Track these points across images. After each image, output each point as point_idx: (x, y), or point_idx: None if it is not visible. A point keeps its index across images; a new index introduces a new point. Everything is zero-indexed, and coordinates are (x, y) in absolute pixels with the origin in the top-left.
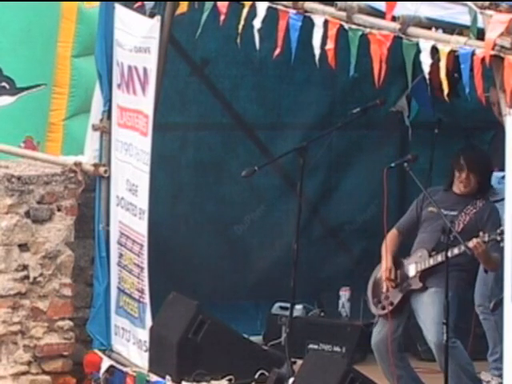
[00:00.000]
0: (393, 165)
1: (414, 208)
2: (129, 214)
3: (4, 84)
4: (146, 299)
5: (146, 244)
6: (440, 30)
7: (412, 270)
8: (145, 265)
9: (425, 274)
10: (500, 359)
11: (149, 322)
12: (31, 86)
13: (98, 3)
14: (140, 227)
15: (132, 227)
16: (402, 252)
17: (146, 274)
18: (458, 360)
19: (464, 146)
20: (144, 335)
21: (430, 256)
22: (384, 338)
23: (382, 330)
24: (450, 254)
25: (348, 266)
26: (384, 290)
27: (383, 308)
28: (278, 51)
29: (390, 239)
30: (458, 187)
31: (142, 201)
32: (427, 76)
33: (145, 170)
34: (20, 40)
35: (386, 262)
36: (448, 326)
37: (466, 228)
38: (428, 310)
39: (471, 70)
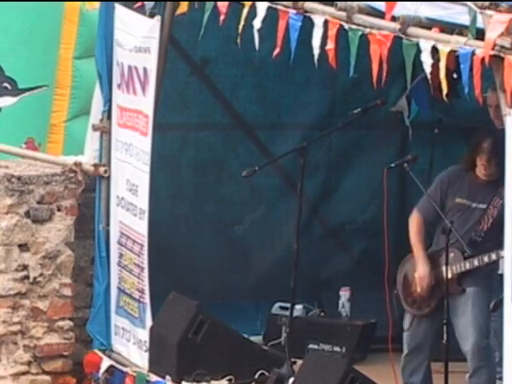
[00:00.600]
0: (393, 165)
1: (437, 193)
2: (129, 214)
3: (6, 85)
4: (147, 299)
5: (146, 244)
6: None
7: (448, 272)
8: (145, 265)
9: (461, 276)
10: (499, 363)
11: (149, 322)
12: (33, 87)
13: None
14: (140, 227)
15: (132, 227)
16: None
17: (146, 274)
18: (489, 367)
19: (483, 130)
20: (144, 335)
21: (465, 258)
22: (424, 334)
23: (420, 326)
24: (487, 260)
25: (348, 265)
26: (419, 290)
27: (419, 307)
28: (277, 51)
29: (419, 229)
30: (479, 170)
31: (143, 201)
32: (429, 76)
33: (145, 170)
34: (22, 41)
35: (422, 265)
36: (448, 327)
37: (495, 222)
38: (467, 313)
39: (471, 69)
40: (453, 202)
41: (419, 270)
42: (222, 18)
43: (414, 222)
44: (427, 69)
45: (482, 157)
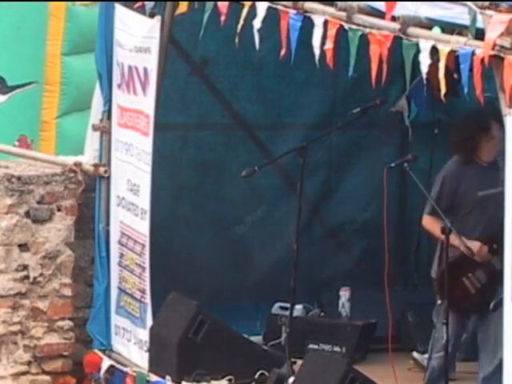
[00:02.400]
0: (393, 165)
1: (447, 192)
2: (130, 214)
3: None
4: (148, 299)
5: (147, 244)
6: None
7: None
8: (146, 265)
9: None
10: None
11: (150, 322)
12: (23, 84)
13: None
14: (142, 227)
15: (133, 227)
16: None
17: (147, 274)
18: None
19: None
20: (145, 335)
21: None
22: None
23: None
24: None
25: (348, 265)
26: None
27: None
28: (283, 52)
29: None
30: (489, 154)
31: (144, 201)
32: (425, 76)
33: (146, 170)
34: (10, 38)
35: (470, 242)
36: (448, 327)
37: None
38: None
39: (471, 69)
40: (474, 196)
41: (473, 245)
42: (222, 18)
43: (429, 221)
44: (424, 69)
45: (495, 137)
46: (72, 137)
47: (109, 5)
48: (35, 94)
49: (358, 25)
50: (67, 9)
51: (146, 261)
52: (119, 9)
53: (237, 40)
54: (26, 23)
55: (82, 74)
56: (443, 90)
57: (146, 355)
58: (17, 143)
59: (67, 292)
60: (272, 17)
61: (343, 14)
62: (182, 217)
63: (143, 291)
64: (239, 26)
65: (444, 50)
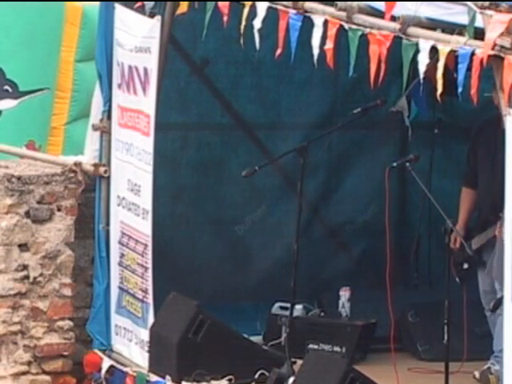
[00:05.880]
0: (395, 164)
1: (471, 154)
2: (131, 214)
3: (7, 87)
4: (150, 299)
5: (150, 244)
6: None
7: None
8: (149, 265)
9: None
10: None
11: (151, 322)
12: (34, 90)
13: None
14: (144, 227)
15: (135, 227)
16: None
17: (150, 273)
18: None
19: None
20: (147, 335)
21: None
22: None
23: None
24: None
25: (348, 265)
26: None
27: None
28: (279, 51)
29: (463, 200)
30: None
31: (146, 201)
32: (422, 75)
33: (147, 170)
34: (23, 43)
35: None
36: (449, 327)
37: None
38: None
39: (469, 69)
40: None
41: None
42: (225, 18)
43: (461, 196)
44: (422, 68)
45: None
46: (79, 142)
47: (109, 5)
48: (46, 99)
49: (358, 25)
50: (83, 15)
51: (148, 261)
52: (119, 9)
53: (242, 41)
54: (39, 29)
55: (93, 80)
56: (439, 90)
57: (147, 355)
58: (24, 148)
59: (67, 292)
60: (271, 16)
61: (343, 14)
62: (182, 217)
63: (145, 291)
64: (242, 27)
65: (444, 50)
